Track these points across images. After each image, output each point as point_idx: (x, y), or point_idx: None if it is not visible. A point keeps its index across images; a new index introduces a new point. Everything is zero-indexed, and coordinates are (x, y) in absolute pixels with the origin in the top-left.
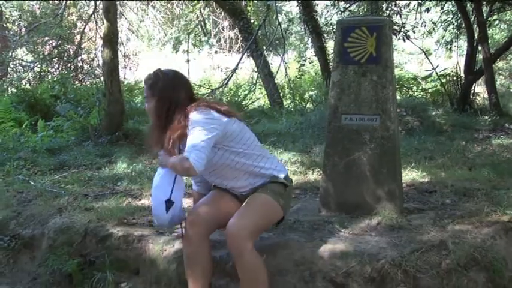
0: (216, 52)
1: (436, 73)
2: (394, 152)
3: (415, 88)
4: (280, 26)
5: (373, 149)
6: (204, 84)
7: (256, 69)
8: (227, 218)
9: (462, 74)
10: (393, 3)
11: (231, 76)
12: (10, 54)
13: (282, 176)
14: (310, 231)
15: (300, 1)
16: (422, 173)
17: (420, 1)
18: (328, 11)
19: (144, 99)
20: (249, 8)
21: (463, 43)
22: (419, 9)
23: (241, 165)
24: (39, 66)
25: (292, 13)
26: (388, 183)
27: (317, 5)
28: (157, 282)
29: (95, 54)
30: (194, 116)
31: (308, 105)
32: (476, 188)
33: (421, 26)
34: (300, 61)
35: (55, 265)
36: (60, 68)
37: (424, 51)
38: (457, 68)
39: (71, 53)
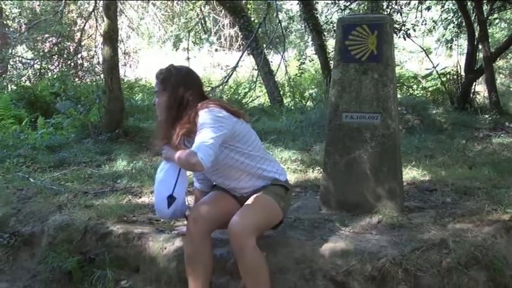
0: (216, 50)
1: (437, 72)
2: (394, 150)
3: (415, 86)
4: (281, 24)
5: (374, 147)
6: (204, 82)
7: (256, 67)
8: (227, 218)
9: (462, 73)
10: (394, 2)
11: (231, 74)
12: (10, 51)
13: (283, 179)
14: (310, 230)
15: None
16: (423, 171)
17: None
18: (328, 9)
19: (154, 94)
20: (249, 6)
21: (463, 42)
22: (419, 8)
23: (244, 166)
24: (39, 63)
25: (293, 11)
26: (388, 182)
27: (317, 3)
28: (157, 280)
29: (95, 51)
30: (205, 113)
31: (308, 103)
32: (476, 186)
33: (422, 24)
34: (300, 59)
35: (55, 262)
36: (60, 66)
37: (424, 50)
38: (457, 66)
39: (71, 50)
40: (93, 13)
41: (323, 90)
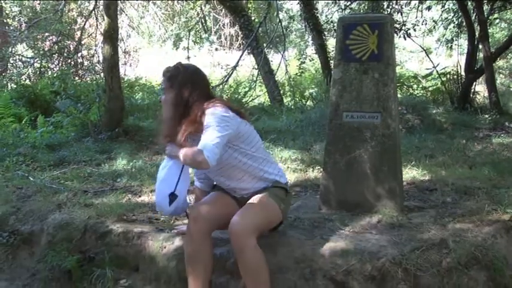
0: (216, 49)
1: (437, 71)
2: (394, 150)
3: (415, 86)
4: (281, 24)
5: (374, 147)
6: None
7: (256, 67)
8: (227, 218)
9: (462, 73)
10: (394, 1)
11: (231, 73)
12: (10, 49)
13: (283, 181)
14: (310, 229)
15: None
16: (423, 171)
17: None
18: (329, 9)
19: (161, 91)
20: (249, 5)
21: (463, 41)
22: (420, 8)
23: (247, 166)
24: (39, 62)
25: (293, 11)
26: (388, 181)
27: (318, 2)
28: (157, 279)
29: (95, 50)
30: (212, 112)
31: (308, 102)
32: (476, 186)
33: (422, 24)
34: (300, 59)
35: (54, 261)
36: (60, 64)
37: (424, 50)
38: (457, 66)
39: (71, 49)
40: (93, 12)
41: (323, 90)
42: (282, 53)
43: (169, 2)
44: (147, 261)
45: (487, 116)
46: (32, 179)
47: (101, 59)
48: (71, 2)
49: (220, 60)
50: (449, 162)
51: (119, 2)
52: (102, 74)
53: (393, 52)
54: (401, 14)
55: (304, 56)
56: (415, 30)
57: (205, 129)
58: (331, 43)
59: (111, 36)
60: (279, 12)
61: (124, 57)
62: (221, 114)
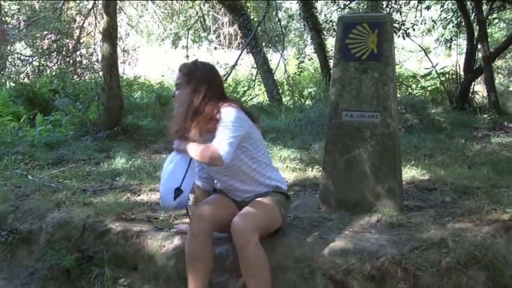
0: (215, 48)
1: (436, 71)
2: (394, 149)
3: (414, 86)
4: (280, 23)
5: (374, 146)
6: None
7: (255, 66)
8: (228, 220)
9: (461, 72)
10: (393, 1)
11: (230, 72)
12: (9, 48)
13: (284, 188)
14: (309, 228)
15: None
16: (422, 170)
17: None
18: (328, 8)
19: (176, 86)
20: (248, 4)
21: (462, 41)
22: (419, 7)
23: (251, 170)
24: (37, 60)
25: (292, 10)
26: (388, 181)
27: (317, 1)
28: (156, 278)
29: (94, 49)
30: (228, 111)
31: (307, 102)
32: (476, 186)
33: (421, 24)
34: (299, 58)
35: (53, 260)
36: (59, 63)
37: (423, 49)
38: (456, 66)
39: (70, 47)
40: (92, 10)
41: (322, 89)
42: (281, 52)
43: (169, 0)
44: (146, 260)
45: (485, 115)
46: (30, 177)
47: (99, 57)
48: (69, 0)
49: (219, 59)
50: (448, 161)
51: (118, 0)
52: (101, 73)
53: (393, 51)
54: (401, 14)
55: (303, 55)
56: (414, 29)
57: (221, 127)
58: (330, 42)
59: (110, 34)
60: (278, 11)
61: (123, 56)
62: (237, 115)
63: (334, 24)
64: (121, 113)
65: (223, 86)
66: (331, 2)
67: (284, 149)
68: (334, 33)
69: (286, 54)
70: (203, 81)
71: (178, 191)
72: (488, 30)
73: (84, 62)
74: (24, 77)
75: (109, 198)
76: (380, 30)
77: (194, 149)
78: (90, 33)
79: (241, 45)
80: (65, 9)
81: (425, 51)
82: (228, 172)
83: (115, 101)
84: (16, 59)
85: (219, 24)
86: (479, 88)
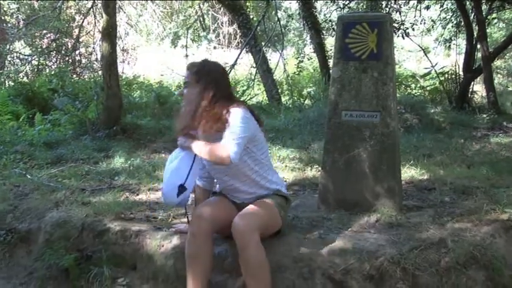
0: (214, 47)
1: (435, 71)
2: (394, 149)
3: (413, 86)
4: (279, 22)
5: (373, 146)
6: None
7: (254, 65)
8: (227, 222)
9: (461, 72)
10: (393, 1)
11: (229, 72)
12: (8, 47)
13: (284, 191)
14: (309, 228)
15: None
16: (421, 170)
17: None
18: (327, 8)
19: (184, 85)
20: (248, 4)
21: (461, 41)
22: (418, 7)
23: (253, 172)
24: (37, 59)
25: (292, 9)
26: (387, 180)
27: (316, 1)
28: (155, 277)
29: (93, 48)
30: (237, 112)
31: (306, 101)
32: (475, 186)
33: (420, 23)
34: (298, 57)
35: (51, 260)
36: (58, 62)
37: (423, 49)
38: (455, 66)
39: (69, 46)
40: (91, 9)
41: (321, 89)
42: (280, 51)
43: (168, 0)
44: (144, 260)
45: (485, 115)
46: (29, 177)
47: (99, 56)
48: None
49: (219, 59)
50: (447, 161)
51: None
52: (100, 72)
53: (392, 51)
54: (400, 13)
55: (302, 55)
56: (413, 29)
57: (230, 127)
58: (329, 42)
59: (110, 34)
60: (278, 10)
61: (122, 55)
62: (245, 116)
63: (333, 23)
64: (120, 113)
65: (231, 86)
66: (331, 2)
67: (283, 148)
68: (334, 32)
69: (286, 54)
70: (212, 81)
71: (182, 188)
72: (487, 30)
73: (84, 61)
74: (23, 76)
75: (108, 197)
76: (380, 29)
77: (203, 148)
78: (89, 32)
79: (240, 45)
80: (64, 8)
81: (425, 51)
82: (230, 172)
83: (114, 100)
84: (15, 58)
85: (218, 23)
86: (478, 88)
